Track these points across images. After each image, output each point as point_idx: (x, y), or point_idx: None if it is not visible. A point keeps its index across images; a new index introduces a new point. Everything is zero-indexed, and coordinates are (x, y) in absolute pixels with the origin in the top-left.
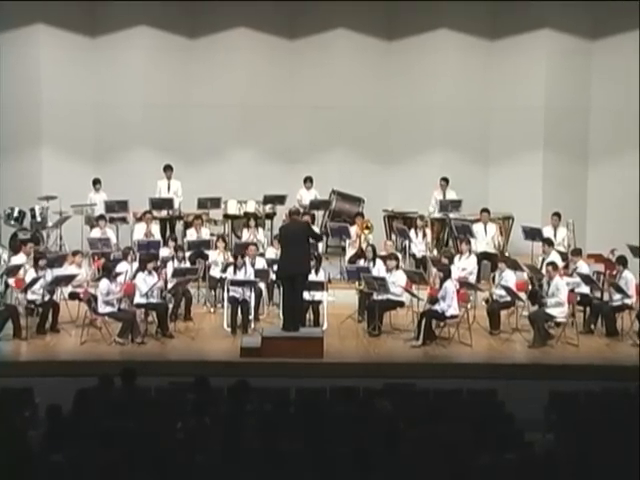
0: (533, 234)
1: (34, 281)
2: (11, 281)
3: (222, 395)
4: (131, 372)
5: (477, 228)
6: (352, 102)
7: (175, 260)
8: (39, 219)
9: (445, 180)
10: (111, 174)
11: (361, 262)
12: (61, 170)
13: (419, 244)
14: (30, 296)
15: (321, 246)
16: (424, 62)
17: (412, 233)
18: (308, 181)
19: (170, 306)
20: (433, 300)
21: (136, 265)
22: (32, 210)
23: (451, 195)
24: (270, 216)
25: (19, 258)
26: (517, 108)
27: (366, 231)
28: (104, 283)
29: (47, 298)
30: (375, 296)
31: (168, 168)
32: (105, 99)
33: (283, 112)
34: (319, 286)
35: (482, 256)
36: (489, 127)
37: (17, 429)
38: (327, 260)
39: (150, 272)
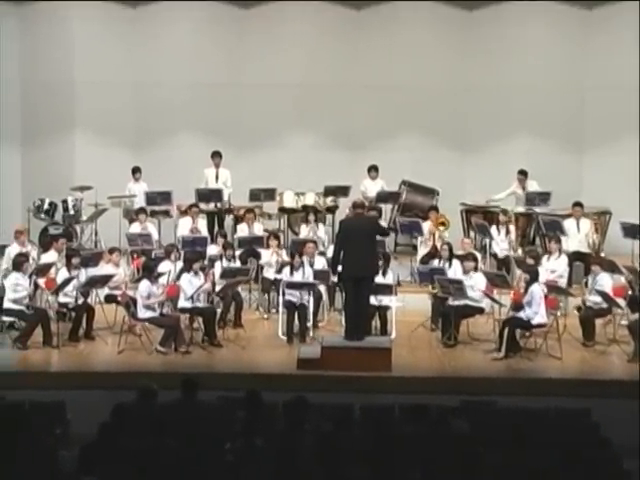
0: (633, 231)
1: (66, 282)
2: (41, 281)
3: (276, 412)
4: (192, 384)
5: (568, 224)
6: (425, 81)
7: (224, 259)
8: (72, 212)
9: (523, 173)
10: (153, 162)
11: (435, 262)
12: (97, 157)
13: (501, 242)
14: (62, 299)
15: (389, 244)
16: (508, 35)
17: (493, 230)
18: (374, 170)
19: (218, 311)
20: (517, 306)
21: (180, 265)
22: (64, 202)
23: (533, 187)
24: (331, 210)
25: (50, 256)
26: (615, 87)
27: (441, 227)
28: (144, 285)
29: (81, 301)
30: (451, 301)
31: (216, 155)
32: (146, 78)
33: (347, 92)
34: (387, 289)
35: (574, 256)
36: (582, 109)
37: (46, 449)
38: (396, 260)
39: (196, 273)
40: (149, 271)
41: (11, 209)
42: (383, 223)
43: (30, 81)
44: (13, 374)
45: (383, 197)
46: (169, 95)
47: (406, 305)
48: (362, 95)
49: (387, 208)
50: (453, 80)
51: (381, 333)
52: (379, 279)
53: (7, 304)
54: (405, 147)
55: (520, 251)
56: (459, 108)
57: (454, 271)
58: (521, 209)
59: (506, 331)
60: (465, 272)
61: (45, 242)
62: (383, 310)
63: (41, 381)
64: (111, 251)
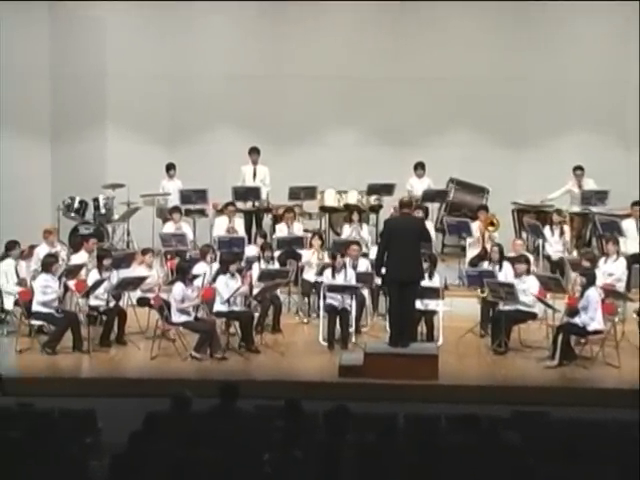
0: None
1: (97, 284)
2: (71, 283)
3: (317, 422)
4: (233, 391)
5: (627, 225)
6: (475, 73)
7: (262, 261)
8: (103, 211)
9: (580, 169)
10: (188, 158)
11: (484, 265)
12: (129, 154)
13: (555, 244)
14: (92, 301)
15: (436, 245)
16: (562, 27)
17: (547, 230)
18: (420, 168)
19: (256, 315)
20: (572, 311)
21: (216, 266)
22: (95, 200)
23: (589, 185)
24: (375, 209)
25: (80, 257)
26: None
27: (491, 228)
28: (178, 287)
29: (112, 304)
30: (501, 306)
31: (254, 151)
32: (181, 70)
33: (392, 85)
34: (433, 293)
35: (633, 259)
36: None
37: (76, 458)
38: (443, 262)
39: (233, 275)
40: (183, 273)
41: (40, 208)
42: (429, 224)
43: (60, 74)
44: (42, 380)
45: (430, 196)
46: (205, 88)
47: (454, 310)
48: (408, 88)
49: (434, 207)
50: (504, 73)
51: (427, 339)
52: (425, 282)
53: (36, 307)
54: (453, 143)
55: (575, 253)
56: (511, 102)
57: (505, 274)
58: (576, 209)
59: (560, 338)
60: (517, 275)
61: (75, 242)
62: (429, 315)
63: (71, 388)
64: (144, 252)
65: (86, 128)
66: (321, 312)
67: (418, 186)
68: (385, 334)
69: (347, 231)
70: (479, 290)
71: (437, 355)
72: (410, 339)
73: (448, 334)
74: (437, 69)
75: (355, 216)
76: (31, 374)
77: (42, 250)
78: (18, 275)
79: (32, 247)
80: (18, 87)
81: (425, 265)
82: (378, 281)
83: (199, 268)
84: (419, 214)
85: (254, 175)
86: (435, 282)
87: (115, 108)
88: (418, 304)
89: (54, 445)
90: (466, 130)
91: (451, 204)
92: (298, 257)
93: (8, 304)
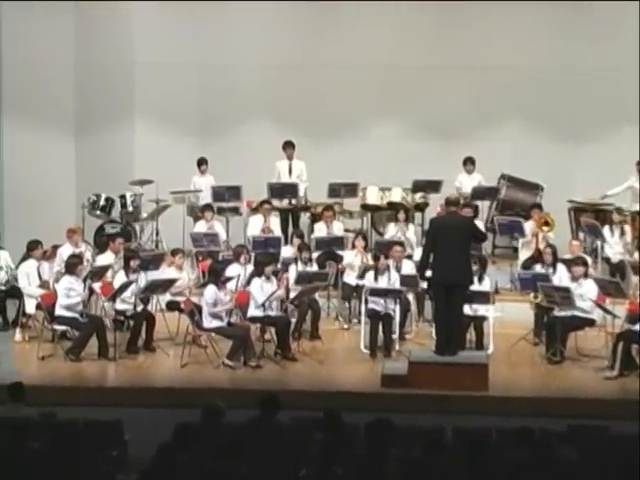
0: None
1: (124, 286)
2: (96, 286)
3: (357, 435)
4: (273, 402)
5: None
6: (530, 61)
7: (299, 262)
8: (131, 209)
9: None
10: (220, 153)
11: (538, 267)
12: (158, 147)
13: (615, 245)
14: (119, 305)
15: (486, 246)
16: (617, 14)
17: (606, 230)
18: (470, 163)
19: (293, 321)
20: (633, 318)
21: (250, 268)
22: (122, 197)
23: None
24: (421, 207)
25: (106, 258)
26: None
27: (545, 227)
28: (210, 290)
29: (140, 308)
30: (556, 312)
31: (289, 146)
32: (213, 59)
33: (438, 75)
34: (483, 298)
35: None
36: None
37: (102, 472)
38: (494, 264)
39: (268, 277)
40: (216, 275)
41: (64, 206)
42: (480, 223)
43: (85, 63)
44: (65, 389)
45: (480, 193)
46: (239, 78)
47: (505, 316)
48: (456, 78)
49: (484, 206)
50: (560, 61)
51: (476, 347)
52: (474, 286)
53: (59, 311)
54: (505, 136)
55: (637, 255)
56: (568, 92)
57: (559, 277)
58: (638, 207)
59: (620, 346)
60: (573, 279)
61: (101, 242)
62: (479, 321)
63: (96, 397)
64: (174, 253)
65: (112, 121)
66: (362, 317)
67: (467, 183)
68: (431, 341)
69: (392, 231)
70: (532, 295)
71: (487, 364)
72: (458, 347)
73: (499, 342)
74: (487, 56)
75: (400, 215)
76: (54, 382)
77: (66, 250)
78: (40, 277)
79: (55, 247)
80: (40, 79)
81: (474, 267)
82: (424, 284)
83: (232, 270)
84: (468, 213)
85: (290, 171)
86: (485, 286)
87: (143, 99)
88: (467, 309)
89: (78, 458)
90: (519, 122)
91: (502, 202)
92: (338, 258)
93: (30, 307)
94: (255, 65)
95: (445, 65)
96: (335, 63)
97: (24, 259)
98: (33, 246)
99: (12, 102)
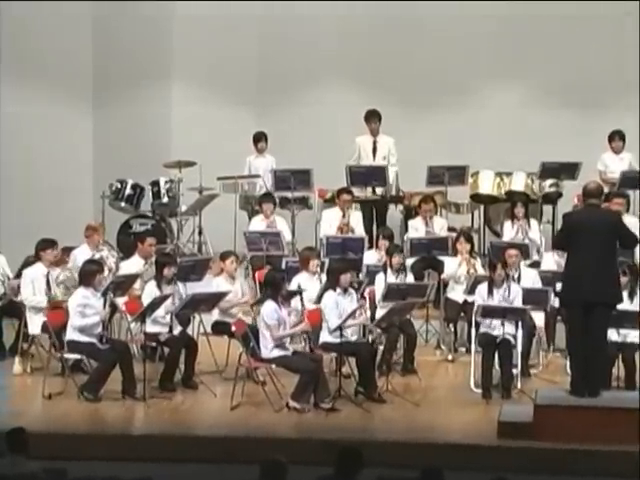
0: None
1: (157, 303)
2: (120, 302)
3: None
4: (355, 457)
5: None
6: None
7: (389, 271)
8: (165, 200)
9: None
10: (283, 126)
11: None
12: (201, 120)
13: None
14: (150, 327)
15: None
16: None
17: None
18: (618, 138)
19: (380, 349)
20: None
21: (324, 279)
22: (155, 185)
23: None
24: (551, 198)
25: (133, 264)
26: None
27: None
28: (270, 308)
29: (178, 331)
30: None
31: (373, 116)
32: (275, 8)
33: (569, 25)
34: (634, 320)
35: None
36: None
37: None
38: None
39: (346, 291)
40: (274, 288)
41: (79, 195)
42: (631, 219)
43: (106, 15)
44: (79, 438)
45: (631, 179)
46: (307, 32)
47: None
48: (592, 28)
49: (637, 196)
50: None
51: (626, 386)
52: (623, 304)
53: (71, 334)
54: None
55: None
56: None
57: None
58: None
59: None
60: None
61: (127, 244)
62: (629, 351)
63: (119, 449)
64: (224, 257)
65: (142, 87)
66: (473, 346)
67: (614, 165)
68: (565, 377)
69: (509, 230)
70: None
71: None
72: (601, 385)
73: None
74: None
75: (518, 209)
76: (64, 429)
77: (82, 254)
78: (50, 288)
79: (67, 250)
80: (48, 33)
81: (623, 280)
82: (556, 302)
83: (299, 281)
84: (615, 206)
85: (374, 150)
86: (637, 305)
87: (183, 60)
88: (613, 335)
89: None
90: None
91: None
92: (440, 267)
93: (33, 328)
94: (330, 16)
95: (575, 14)
96: (433, 13)
97: (28, 263)
98: (45, 246)
99: (11, 63)
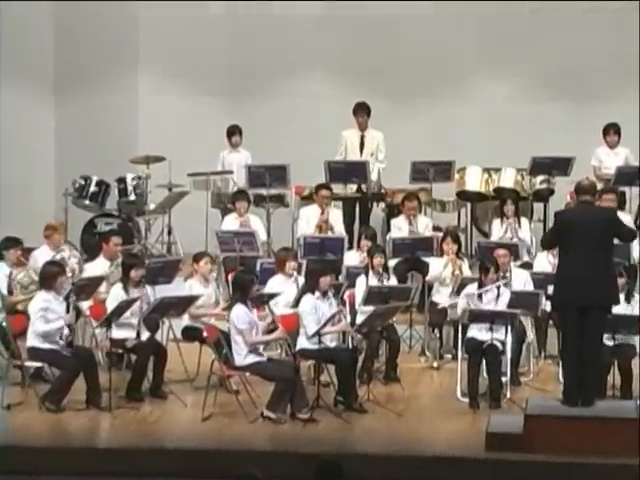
0: None
1: (124, 307)
2: (84, 306)
3: None
4: (334, 470)
5: None
6: None
7: (370, 273)
8: (132, 197)
9: None
10: (258, 119)
11: None
12: (170, 112)
13: None
14: (116, 333)
15: (637, 252)
16: None
17: None
18: (613, 132)
19: (360, 357)
20: None
21: (301, 281)
22: (121, 181)
23: None
24: (543, 196)
25: (97, 265)
26: None
27: None
28: (240, 312)
29: (145, 337)
30: None
31: (361, 109)
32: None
33: (563, 14)
34: (631, 325)
35: None
36: None
37: None
38: None
39: (325, 294)
40: (244, 291)
41: (40, 193)
42: (626, 217)
43: (70, 2)
44: (41, 451)
45: (627, 175)
46: (286, 13)
47: None
48: (585, 19)
49: (633, 193)
50: None
51: (622, 395)
52: (620, 307)
53: (32, 341)
54: None
55: None
56: None
57: None
58: None
59: None
60: None
61: (91, 244)
62: (626, 357)
63: (83, 462)
64: (197, 258)
65: (107, 77)
66: (459, 352)
67: (609, 160)
68: (557, 386)
69: (498, 229)
70: None
71: (638, 420)
72: (595, 394)
73: None
74: None
75: (507, 208)
76: (24, 441)
77: (42, 255)
78: (11, 291)
79: (27, 251)
80: (9, 19)
81: (620, 281)
82: (547, 306)
83: (275, 283)
84: (610, 202)
85: (361, 145)
86: (634, 308)
87: (150, 48)
88: (608, 341)
89: None
90: None
91: None
92: (425, 269)
93: None
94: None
95: (573, 6)
96: (420, 4)
97: None
98: (9, 245)
99: None
